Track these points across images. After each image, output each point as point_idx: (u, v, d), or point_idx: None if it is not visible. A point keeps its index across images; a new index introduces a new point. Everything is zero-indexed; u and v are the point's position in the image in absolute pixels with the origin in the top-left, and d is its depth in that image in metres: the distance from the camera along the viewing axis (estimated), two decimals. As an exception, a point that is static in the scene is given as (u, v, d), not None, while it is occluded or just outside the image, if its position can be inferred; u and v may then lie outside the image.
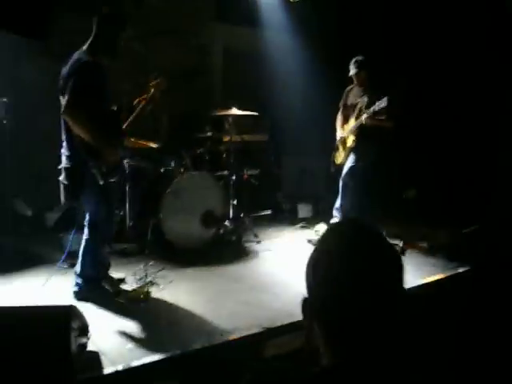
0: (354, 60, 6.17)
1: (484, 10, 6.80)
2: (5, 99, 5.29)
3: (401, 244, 5.69)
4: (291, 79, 8.78)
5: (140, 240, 5.46)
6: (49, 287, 4.27)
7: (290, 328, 3.70)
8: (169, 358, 3.15)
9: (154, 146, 5.76)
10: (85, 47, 3.95)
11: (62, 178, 3.96)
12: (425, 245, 5.93)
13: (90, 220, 4.07)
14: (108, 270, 4.32)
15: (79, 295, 4.07)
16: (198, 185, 5.61)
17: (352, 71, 6.17)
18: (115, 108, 4.17)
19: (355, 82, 6.28)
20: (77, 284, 4.11)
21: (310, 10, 7.99)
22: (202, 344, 3.32)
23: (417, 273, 4.95)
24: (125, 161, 5.60)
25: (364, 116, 5.94)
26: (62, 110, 3.76)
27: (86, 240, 4.08)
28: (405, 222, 6.91)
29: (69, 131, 3.86)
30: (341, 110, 6.53)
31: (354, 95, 6.34)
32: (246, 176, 6.50)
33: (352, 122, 6.24)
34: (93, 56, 3.89)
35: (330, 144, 6.76)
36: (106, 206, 4.05)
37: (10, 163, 5.36)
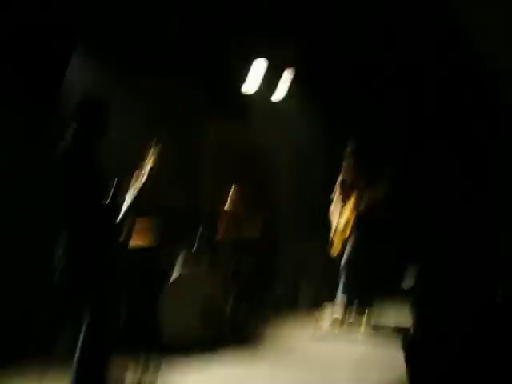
0: (346, 148, 6.20)
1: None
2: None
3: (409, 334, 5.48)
4: (280, 173, 8.78)
5: (137, 341, 5.13)
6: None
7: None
8: None
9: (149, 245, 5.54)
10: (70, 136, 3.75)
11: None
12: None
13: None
14: None
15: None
16: (197, 282, 5.45)
17: (345, 161, 6.19)
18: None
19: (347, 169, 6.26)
20: None
21: (295, 103, 8.09)
22: None
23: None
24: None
25: (361, 206, 5.93)
26: None
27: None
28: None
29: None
30: (334, 201, 6.44)
31: (349, 185, 6.30)
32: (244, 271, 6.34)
33: (347, 213, 6.17)
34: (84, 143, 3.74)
35: (323, 230, 6.64)
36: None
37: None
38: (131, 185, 4.04)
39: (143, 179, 3.99)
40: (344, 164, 6.20)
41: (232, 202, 6.18)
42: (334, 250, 6.36)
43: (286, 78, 7.59)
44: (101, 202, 3.71)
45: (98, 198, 3.70)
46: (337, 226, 6.29)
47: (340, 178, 6.42)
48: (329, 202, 6.55)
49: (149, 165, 4.04)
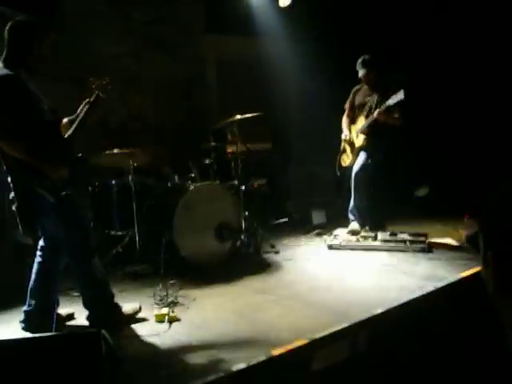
0: (360, 60, 5.96)
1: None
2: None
3: (427, 241, 5.47)
4: (288, 85, 8.59)
5: (152, 260, 5.11)
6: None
7: (335, 337, 3.38)
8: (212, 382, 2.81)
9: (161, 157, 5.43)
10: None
11: (13, 206, 3.52)
12: (451, 240, 5.68)
13: (46, 245, 3.75)
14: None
15: (95, 324, 3.71)
16: (209, 197, 5.27)
17: (361, 72, 5.96)
18: (50, 120, 3.65)
19: (364, 81, 6.04)
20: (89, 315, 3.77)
21: (302, 13, 7.81)
22: (247, 363, 2.96)
23: (451, 268, 4.67)
24: (129, 178, 5.31)
25: (377, 111, 5.70)
26: None
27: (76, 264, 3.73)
28: (420, 219, 6.77)
29: (3, 156, 3.48)
30: (347, 111, 6.28)
31: (363, 95, 6.12)
32: (255, 185, 6.19)
33: (362, 121, 6.00)
34: (8, 69, 3.49)
35: (333, 148, 6.52)
36: (71, 221, 3.63)
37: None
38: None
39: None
40: (361, 73, 5.96)
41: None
42: (345, 160, 6.25)
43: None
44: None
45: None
46: (349, 136, 6.16)
47: (354, 88, 6.23)
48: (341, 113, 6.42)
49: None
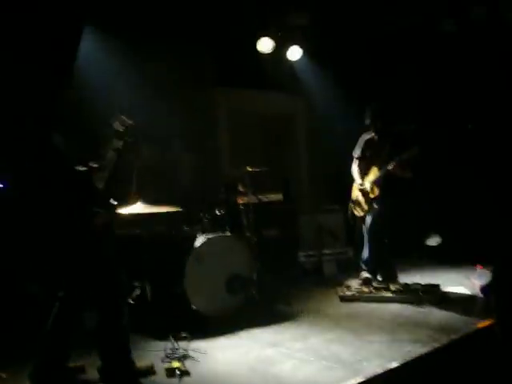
0: (367, 109, 6.02)
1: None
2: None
3: (440, 292, 5.43)
4: (297, 136, 8.70)
5: (163, 312, 5.07)
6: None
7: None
8: None
9: (174, 210, 5.43)
10: None
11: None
12: (464, 289, 5.64)
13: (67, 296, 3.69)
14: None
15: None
16: (221, 248, 5.26)
17: (367, 121, 6.01)
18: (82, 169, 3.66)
19: (372, 130, 6.08)
20: None
21: (309, 64, 7.98)
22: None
23: (466, 318, 4.64)
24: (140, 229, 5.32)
25: (392, 164, 5.73)
26: None
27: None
28: (431, 269, 6.74)
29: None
30: (357, 160, 6.30)
31: (375, 145, 6.12)
32: (267, 236, 6.20)
33: (375, 172, 6.00)
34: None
35: (343, 198, 6.53)
36: (109, 280, 3.65)
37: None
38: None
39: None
40: (367, 122, 6.03)
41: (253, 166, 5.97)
42: (359, 211, 6.23)
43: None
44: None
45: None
46: (364, 186, 6.14)
47: (365, 137, 6.26)
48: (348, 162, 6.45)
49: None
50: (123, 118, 3.89)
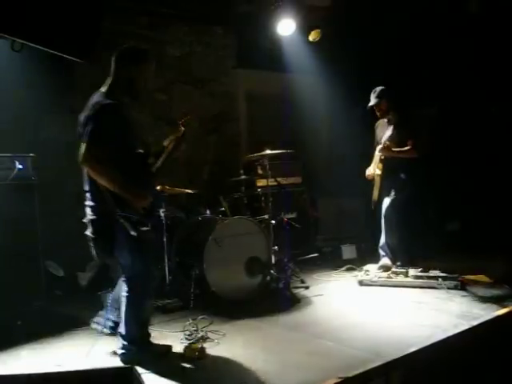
0: (373, 91, 5.97)
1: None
2: (32, 154, 5.00)
3: (460, 278, 5.38)
4: (318, 119, 8.64)
5: (182, 294, 5.10)
6: (94, 354, 3.86)
7: (368, 376, 3.32)
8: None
9: (191, 192, 5.45)
10: (103, 89, 3.60)
11: (88, 232, 3.56)
12: (485, 277, 5.58)
13: (127, 276, 3.69)
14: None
15: (126, 358, 3.63)
16: (240, 231, 5.26)
17: (372, 101, 5.96)
18: (142, 151, 3.71)
19: (377, 112, 6.02)
20: (123, 346, 3.69)
21: (330, 47, 7.90)
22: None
23: (486, 305, 4.59)
24: (161, 211, 5.32)
25: (378, 147, 5.73)
26: (81, 158, 3.38)
27: (127, 297, 3.66)
28: (451, 256, 6.67)
29: (91, 180, 3.49)
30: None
31: (381, 129, 6.08)
32: (285, 220, 6.16)
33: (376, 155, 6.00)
34: (113, 97, 3.53)
35: (363, 181, 6.47)
36: (143, 259, 3.62)
37: (40, 223, 5.06)
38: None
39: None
40: (372, 103, 5.97)
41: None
42: (374, 194, 6.16)
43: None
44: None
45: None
46: (370, 170, 6.10)
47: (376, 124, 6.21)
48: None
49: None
50: (183, 110, 4.03)
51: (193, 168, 6.93)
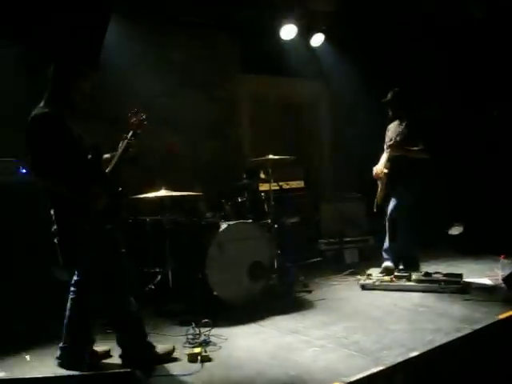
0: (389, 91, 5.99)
1: None
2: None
3: (462, 282, 5.38)
4: (320, 124, 8.66)
5: (185, 298, 5.11)
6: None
7: (370, 381, 3.33)
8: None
9: (194, 195, 5.46)
10: (42, 101, 3.67)
11: (55, 240, 3.60)
12: (486, 280, 5.59)
13: (83, 279, 3.75)
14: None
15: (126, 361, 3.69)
16: (243, 235, 5.27)
17: (386, 99, 5.96)
18: (91, 155, 3.71)
19: (389, 112, 6.02)
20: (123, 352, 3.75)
21: (332, 51, 7.94)
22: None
23: (488, 309, 4.59)
24: (164, 216, 5.34)
25: (387, 145, 5.74)
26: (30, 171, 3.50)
27: (78, 299, 3.77)
28: (453, 259, 6.70)
29: (47, 189, 3.60)
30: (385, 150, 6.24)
31: (393, 131, 6.08)
32: (288, 224, 6.18)
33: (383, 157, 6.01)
34: (52, 107, 3.60)
35: (367, 185, 6.48)
36: (106, 259, 3.66)
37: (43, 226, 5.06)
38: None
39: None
40: (386, 99, 5.98)
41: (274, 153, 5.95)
42: (378, 197, 6.16)
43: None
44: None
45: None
46: (375, 172, 6.10)
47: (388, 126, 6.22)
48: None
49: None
50: (138, 111, 3.99)
51: (195, 172, 6.94)
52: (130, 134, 3.92)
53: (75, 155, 3.62)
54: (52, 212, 3.61)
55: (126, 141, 3.88)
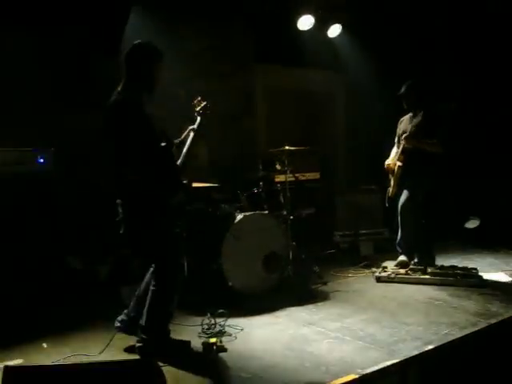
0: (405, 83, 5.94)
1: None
2: (52, 149, 5.07)
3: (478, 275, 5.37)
4: (335, 114, 8.63)
5: (200, 288, 5.13)
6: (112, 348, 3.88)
7: (385, 373, 3.33)
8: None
9: (214, 185, 5.47)
10: (120, 87, 3.63)
11: (122, 230, 3.60)
12: (503, 275, 5.57)
13: (158, 270, 3.73)
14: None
15: (145, 351, 3.68)
16: (258, 226, 5.28)
17: (401, 91, 5.91)
18: (165, 144, 3.64)
19: (404, 105, 5.97)
20: (142, 339, 3.73)
21: (349, 41, 7.90)
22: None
23: (505, 304, 4.60)
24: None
25: (403, 137, 5.68)
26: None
27: (155, 291, 3.69)
28: (470, 253, 6.67)
29: (120, 179, 3.55)
30: (396, 143, 6.20)
31: (405, 125, 6.03)
32: (303, 215, 6.17)
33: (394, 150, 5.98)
34: (133, 93, 3.57)
35: (381, 177, 6.45)
36: (174, 254, 3.68)
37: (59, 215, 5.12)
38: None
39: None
40: (401, 92, 5.93)
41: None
42: (390, 190, 6.11)
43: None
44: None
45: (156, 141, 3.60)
46: (388, 165, 6.06)
47: (400, 119, 6.17)
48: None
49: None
50: (201, 99, 3.98)
51: (212, 162, 6.94)
52: (197, 123, 3.91)
53: (156, 143, 3.56)
54: (120, 201, 3.59)
55: (191, 131, 3.88)
